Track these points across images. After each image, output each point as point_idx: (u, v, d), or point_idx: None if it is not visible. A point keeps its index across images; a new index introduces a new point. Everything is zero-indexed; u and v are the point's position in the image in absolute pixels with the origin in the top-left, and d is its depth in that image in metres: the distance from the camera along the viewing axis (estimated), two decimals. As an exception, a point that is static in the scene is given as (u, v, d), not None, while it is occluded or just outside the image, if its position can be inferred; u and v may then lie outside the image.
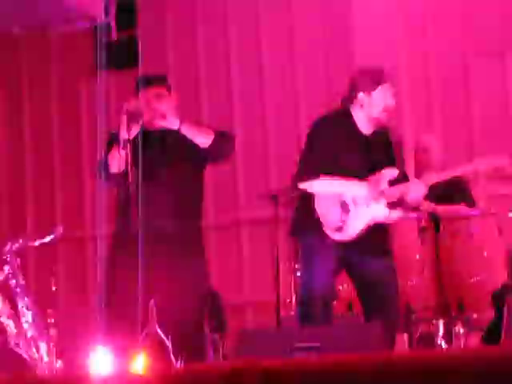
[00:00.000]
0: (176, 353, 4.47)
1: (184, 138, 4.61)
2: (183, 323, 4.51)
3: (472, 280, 5.71)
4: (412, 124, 7.51)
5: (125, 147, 4.39)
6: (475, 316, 5.65)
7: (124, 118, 4.41)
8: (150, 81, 4.79)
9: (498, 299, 5.25)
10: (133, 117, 4.42)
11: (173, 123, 4.58)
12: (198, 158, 4.70)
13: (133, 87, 4.91)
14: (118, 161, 4.44)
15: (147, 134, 4.56)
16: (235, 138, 4.85)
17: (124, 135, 4.41)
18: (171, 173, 4.62)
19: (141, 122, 4.46)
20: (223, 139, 4.69)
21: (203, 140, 4.62)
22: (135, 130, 4.44)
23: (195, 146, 4.65)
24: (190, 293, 4.61)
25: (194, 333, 4.64)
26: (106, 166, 4.55)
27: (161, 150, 4.61)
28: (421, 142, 6.45)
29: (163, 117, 4.58)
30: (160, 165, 4.57)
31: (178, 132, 4.58)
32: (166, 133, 4.63)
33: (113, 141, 4.65)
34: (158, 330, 4.07)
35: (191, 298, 4.61)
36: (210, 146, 4.61)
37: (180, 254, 4.61)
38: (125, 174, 4.38)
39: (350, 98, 4.85)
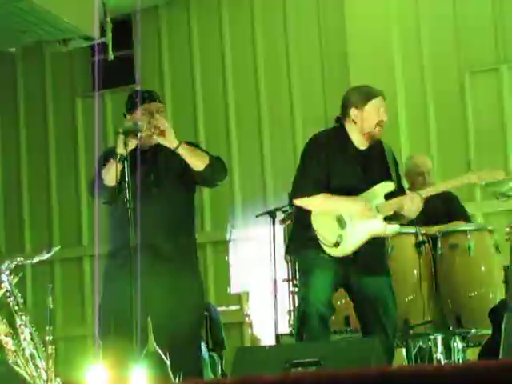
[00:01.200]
0: (174, 371, 4.47)
1: (176, 156, 4.59)
2: (180, 342, 4.50)
3: (470, 295, 5.72)
4: (408, 139, 7.53)
5: (120, 162, 4.39)
6: (473, 331, 5.65)
7: (121, 137, 4.39)
8: (153, 95, 4.77)
9: (495, 315, 5.25)
10: (130, 135, 4.40)
11: (171, 143, 4.55)
12: (189, 176, 4.68)
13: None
14: (112, 174, 4.43)
15: (140, 151, 4.53)
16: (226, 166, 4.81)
17: (120, 151, 4.41)
18: (163, 190, 4.58)
19: (138, 139, 4.43)
20: (217, 165, 4.67)
21: (197, 164, 4.59)
22: (132, 145, 4.42)
23: (187, 165, 4.62)
24: (187, 311, 4.59)
25: (191, 351, 4.62)
26: (100, 179, 4.52)
27: (152, 169, 4.57)
28: (416, 165, 6.46)
29: (162, 134, 4.56)
30: (152, 182, 4.53)
31: (171, 150, 4.54)
32: (159, 149, 4.60)
33: (107, 156, 4.64)
34: (156, 348, 4.06)
35: (188, 317, 4.60)
36: (203, 170, 4.59)
37: (175, 272, 4.59)
38: (118, 189, 4.36)
39: (343, 114, 4.89)
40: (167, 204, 4.54)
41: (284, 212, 6.86)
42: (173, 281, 4.55)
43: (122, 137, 4.35)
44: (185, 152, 4.55)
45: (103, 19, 8.06)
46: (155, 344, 4.11)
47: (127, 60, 8.73)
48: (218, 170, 4.67)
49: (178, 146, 4.52)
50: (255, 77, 8.31)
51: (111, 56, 8.02)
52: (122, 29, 8.56)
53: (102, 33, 8.17)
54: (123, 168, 4.23)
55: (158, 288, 4.49)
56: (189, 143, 4.69)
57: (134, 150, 4.45)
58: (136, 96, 4.75)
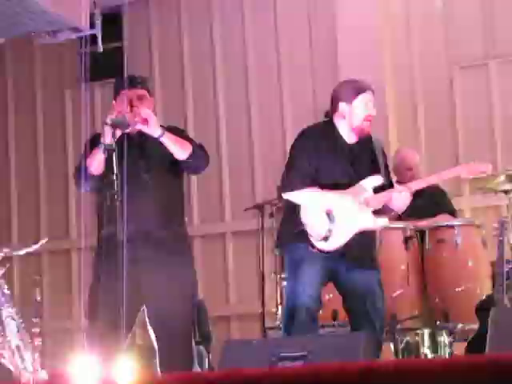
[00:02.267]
0: (163, 361, 4.47)
1: (160, 142, 4.58)
2: (171, 330, 4.49)
3: (457, 290, 5.73)
4: (397, 135, 7.54)
5: (106, 152, 4.38)
6: (460, 326, 5.67)
7: (108, 129, 4.37)
8: (132, 81, 4.75)
9: (482, 310, 5.27)
10: (118, 127, 4.39)
11: (154, 131, 4.53)
12: (176, 164, 4.68)
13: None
14: (98, 162, 4.43)
15: (126, 137, 4.51)
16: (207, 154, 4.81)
17: (107, 141, 4.40)
18: (153, 176, 4.56)
19: (126, 130, 4.42)
20: (199, 154, 4.66)
21: (180, 153, 4.57)
22: (117, 135, 4.40)
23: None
24: (179, 301, 4.57)
25: (182, 341, 4.61)
26: (86, 167, 4.50)
27: (140, 155, 4.55)
28: (404, 159, 6.47)
29: (145, 122, 4.54)
30: (140, 169, 4.50)
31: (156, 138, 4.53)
32: (146, 135, 4.56)
33: (94, 141, 4.62)
34: (149, 338, 4.04)
35: (180, 306, 4.58)
36: (186, 159, 4.58)
37: (169, 259, 4.58)
38: (104, 178, 4.37)
39: (332, 108, 4.90)
40: (159, 190, 4.54)
41: (273, 205, 6.87)
42: (167, 267, 4.54)
43: (108, 128, 4.34)
44: (168, 141, 4.54)
45: (93, 11, 8.03)
46: (152, 334, 4.09)
47: (116, 52, 8.70)
48: (200, 158, 4.66)
49: (161, 135, 4.50)
50: (245, 71, 8.30)
51: (100, 48, 7.99)
52: (112, 21, 8.53)
53: (92, 25, 8.14)
54: (111, 159, 4.22)
55: (153, 274, 4.47)
56: (172, 130, 4.67)
57: (121, 137, 4.43)
58: (118, 82, 4.72)
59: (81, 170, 4.55)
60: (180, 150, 4.56)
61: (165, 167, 4.64)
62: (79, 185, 4.66)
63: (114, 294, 4.22)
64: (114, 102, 4.75)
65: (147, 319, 4.11)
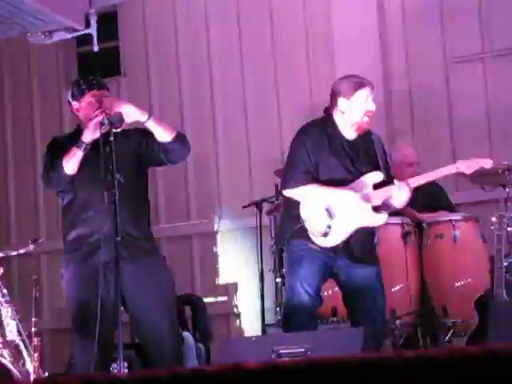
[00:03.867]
0: (155, 359, 4.47)
1: (128, 141, 4.58)
2: (159, 327, 4.49)
3: (456, 285, 5.73)
4: (393, 132, 7.53)
5: (85, 150, 4.38)
6: (459, 321, 5.66)
7: (96, 127, 4.36)
8: (100, 82, 4.68)
9: (481, 305, 5.27)
10: (114, 125, 4.37)
11: (142, 115, 4.48)
12: (143, 161, 4.65)
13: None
14: (75, 163, 4.41)
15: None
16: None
17: (87, 138, 4.39)
18: (124, 177, 4.50)
19: (119, 128, 4.39)
20: (183, 139, 4.62)
21: (166, 135, 4.51)
22: (96, 134, 4.39)
23: (140, 150, 4.60)
24: (164, 299, 4.57)
25: (172, 338, 4.60)
26: (60, 167, 4.47)
27: (110, 154, 4.45)
28: (405, 155, 6.46)
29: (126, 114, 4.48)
30: (108, 168, 4.42)
31: (121, 135, 4.47)
32: (108, 136, 4.47)
33: (62, 144, 4.59)
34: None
35: (165, 304, 4.58)
36: (172, 141, 4.54)
37: (147, 257, 4.57)
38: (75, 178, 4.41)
39: (331, 104, 4.89)
40: (130, 190, 4.50)
41: (271, 203, 6.87)
42: (146, 265, 4.52)
43: (96, 127, 4.33)
44: (154, 123, 4.50)
45: (88, 10, 8.03)
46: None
47: (112, 51, 8.70)
48: (184, 144, 4.62)
49: (148, 118, 4.47)
50: (241, 68, 8.29)
51: (96, 47, 7.99)
52: (108, 20, 8.52)
53: (88, 24, 8.14)
54: (108, 157, 4.23)
55: (133, 272, 4.45)
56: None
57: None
58: (83, 83, 4.69)
59: (52, 171, 4.50)
60: (166, 132, 4.53)
61: (133, 167, 4.61)
62: (52, 184, 4.62)
63: (94, 296, 4.21)
64: (75, 102, 4.68)
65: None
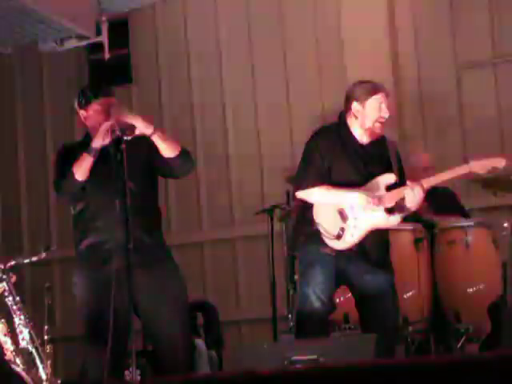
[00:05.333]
0: (167, 366, 4.47)
1: (139, 149, 4.59)
2: (171, 333, 4.50)
3: (468, 291, 5.71)
4: (405, 136, 7.52)
5: (95, 155, 4.39)
6: (472, 327, 5.64)
7: (106, 134, 4.37)
8: (107, 90, 4.71)
9: (494, 311, 5.25)
10: (125, 133, 4.38)
11: (148, 128, 4.48)
12: (154, 168, 4.66)
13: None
14: (85, 169, 4.43)
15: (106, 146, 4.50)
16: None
17: (97, 144, 4.41)
18: (136, 183, 4.50)
19: (129, 136, 4.40)
20: (187, 155, 4.63)
21: (170, 151, 4.53)
22: (106, 140, 4.40)
23: (151, 157, 4.61)
24: (176, 304, 4.58)
25: (184, 345, 4.60)
26: (71, 174, 4.47)
27: (121, 161, 4.46)
28: (421, 161, 6.44)
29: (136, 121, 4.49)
30: (120, 176, 4.42)
31: (132, 143, 4.48)
32: (120, 143, 4.47)
33: (68, 153, 4.61)
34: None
35: (179, 309, 4.58)
36: (176, 157, 4.55)
37: (160, 263, 4.58)
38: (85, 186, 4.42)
39: (345, 108, 4.91)
40: (141, 198, 4.51)
41: (282, 209, 6.86)
42: (159, 272, 4.53)
43: (107, 134, 4.35)
44: (160, 138, 4.51)
45: (99, 18, 8.07)
46: None
47: (123, 59, 8.71)
48: (188, 160, 4.64)
49: (153, 132, 4.48)
50: (252, 72, 8.29)
51: (107, 55, 8.03)
52: (119, 28, 8.55)
53: (99, 32, 8.18)
54: (119, 165, 4.24)
55: (147, 279, 4.46)
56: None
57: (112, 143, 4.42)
58: (89, 92, 4.69)
59: (63, 178, 4.52)
60: (170, 148, 4.54)
61: (145, 174, 4.62)
62: (64, 192, 4.63)
63: (106, 304, 4.21)
64: (82, 111, 4.69)
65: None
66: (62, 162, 4.59)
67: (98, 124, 4.48)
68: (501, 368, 1.92)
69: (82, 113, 4.68)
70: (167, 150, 4.53)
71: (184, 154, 4.58)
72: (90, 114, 4.63)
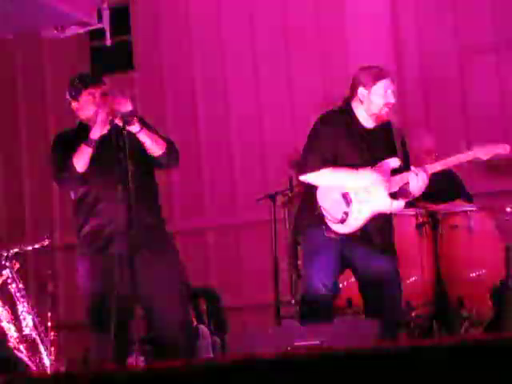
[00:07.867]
0: (168, 349, 4.48)
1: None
2: (171, 316, 4.52)
3: (471, 276, 5.71)
4: (407, 122, 7.51)
5: (93, 146, 4.39)
6: (475, 312, 5.64)
7: (104, 123, 4.37)
8: (98, 78, 4.71)
9: (496, 296, 5.25)
10: (126, 122, 4.37)
11: (134, 127, 4.48)
12: (150, 157, 4.66)
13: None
14: (85, 160, 4.42)
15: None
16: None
17: (95, 135, 4.40)
18: (136, 166, 4.49)
19: (118, 122, 4.39)
20: (172, 151, 4.62)
21: (155, 150, 4.55)
22: (105, 130, 4.40)
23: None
24: (178, 285, 4.59)
25: (184, 327, 4.61)
26: (71, 167, 4.46)
27: (120, 147, 4.40)
28: (424, 144, 6.42)
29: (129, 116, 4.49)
30: (120, 161, 4.40)
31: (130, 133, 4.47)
32: (119, 131, 4.44)
33: (65, 142, 4.61)
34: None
35: (177, 293, 4.60)
36: (160, 156, 4.56)
37: (161, 242, 4.59)
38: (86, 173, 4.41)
39: (351, 93, 4.89)
40: (142, 179, 4.51)
41: (285, 195, 6.86)
42: (159, 256, 4.54)
43: (105, 122, 4.35)
44: (145, 137, 4.50)
45: (100, 4, 8.04)
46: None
47: (125, 45, 8.70)
48: (173, 156, 4.64)
49: (139, 130, 4.47)
50: (254, 60, 8.28)
51: (109, 42, 8.00)
52: (120, 14, 8.53)
53: (100, 18, 8.15)
54: (120, 150, 4.24)
55: (147, 261, 4.47)
56: (144, 123, 4.61)
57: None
58: (79, 81, 4.67)
59: (63, 171, 4.51)
60: (155, 147, 4.55)
61: (145, 158, 4.61)
62: (66, 184, 4.63)
63: (109, 288, 4.23)
64: (73, 102, 4.67)
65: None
66: (62, 153, 4.57)
67: (91, 114, 4.48)
68: (503, 351, 1.92)
69: (74, 105, 4.67)
70: (152, 148, 4.55)
71: (169, 151, 4.58)
72: (82, 103, 4.62)
